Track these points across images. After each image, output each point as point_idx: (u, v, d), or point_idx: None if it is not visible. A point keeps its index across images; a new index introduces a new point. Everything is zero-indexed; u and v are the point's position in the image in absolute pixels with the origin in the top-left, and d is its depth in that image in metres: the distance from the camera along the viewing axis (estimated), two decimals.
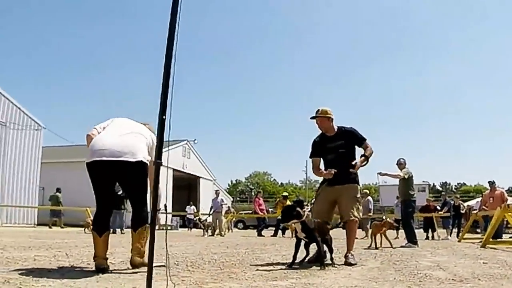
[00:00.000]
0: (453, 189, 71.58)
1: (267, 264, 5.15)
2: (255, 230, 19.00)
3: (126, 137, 4.38)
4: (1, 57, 71.94)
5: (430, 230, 16.31)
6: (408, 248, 9.10)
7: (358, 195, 5.60)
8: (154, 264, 3.05)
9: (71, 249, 6.94)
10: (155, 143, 4.39)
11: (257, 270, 4.56)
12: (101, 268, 4.15)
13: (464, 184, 72.47)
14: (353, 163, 5.49)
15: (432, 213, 16.56)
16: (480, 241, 9.95)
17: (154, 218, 3.05)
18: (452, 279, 3.80)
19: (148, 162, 4.41)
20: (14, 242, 8.25)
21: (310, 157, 5.77)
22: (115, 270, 4.30)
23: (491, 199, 12.87)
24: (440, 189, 70.77)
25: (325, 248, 5.06)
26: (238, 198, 68.13)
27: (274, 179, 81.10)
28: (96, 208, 4.49)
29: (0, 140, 19.58)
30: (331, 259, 5.06)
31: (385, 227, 9.39)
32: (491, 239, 10.23)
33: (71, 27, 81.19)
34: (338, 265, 5.02)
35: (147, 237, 4.35)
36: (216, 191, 19.00)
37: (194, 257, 5.97)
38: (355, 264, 5.09)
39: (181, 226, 30.46)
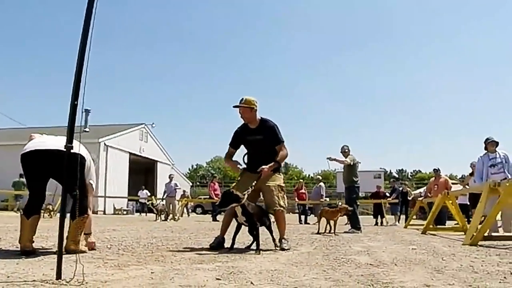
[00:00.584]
0: (409, 176, 73.80)
1: (203, 249, 5.14)
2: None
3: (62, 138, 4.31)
4: None
5: (379, 216, 16.81)
6: (350, 233, 9.34)
7: (282, 183, 5.50)
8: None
9: (8, 233, 6.75)
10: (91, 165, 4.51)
11: (188, 253, 4.58)
12: (26, 250, 4.13)
13: (420, 171, 74.75)
14: (260, 168, 5.25)
15: (381, 200, 17.03)
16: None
17: (63, 204, 2.99)
18: (370, 264, 3.92)
19: (86, 159, 4.46)
20: None
21: (229, 145, 5.66)
22: (43, 253, 4.23)
23: (435, 186, 13.32)
24: (396, 176, 72.74)
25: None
26: (198, 183, 67.88)
27: None
28: (29, 194, 4.49)
29: None
30: (273, 240, 5.21)
31: (341, 213, 9.51)
32: (434, 226, 10.65)
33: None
34: (273, 250, 5.08)
35: (83, 226, 4.38)
36: (170, 175, 18.84)
37: (131, 241, 5.93)
38: (288, 249, 5.16)
39: (137, 211, 30.15)
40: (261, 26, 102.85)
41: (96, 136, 29.82)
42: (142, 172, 35.49)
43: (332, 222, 9.22)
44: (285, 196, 5.50)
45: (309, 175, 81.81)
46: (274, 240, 5.25)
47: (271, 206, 5.36)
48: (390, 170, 74.69)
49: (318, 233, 9.00)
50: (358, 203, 10.74)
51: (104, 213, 27.96)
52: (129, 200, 30.19)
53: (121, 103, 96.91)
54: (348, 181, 10.40)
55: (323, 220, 9.47)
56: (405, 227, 13.43)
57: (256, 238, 4.87)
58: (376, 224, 16.39)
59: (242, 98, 5.44)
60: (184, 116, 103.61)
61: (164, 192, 17.58)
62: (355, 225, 9.98)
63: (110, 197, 27.81)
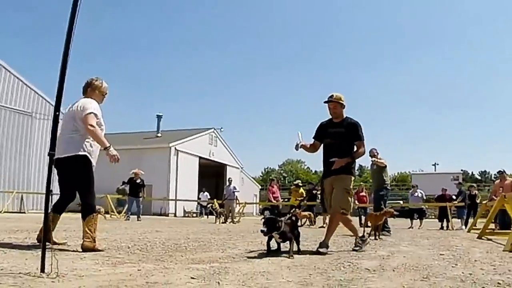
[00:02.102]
0: (492, 177, 69.18)
1: (222, 251, 5.29)
2: None
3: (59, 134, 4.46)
4: (24, 48, 74.69)
5: (444, 220, 15.99)
6: (383, 236, 9.05)
7: (348, 187, 5.56)
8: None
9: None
10: (85, 109, 4.71)
11: (196, 255, 4.73)
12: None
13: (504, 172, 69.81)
14: (333, 159, 5.48)
15: (447, 203, 16.18)
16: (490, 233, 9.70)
17: (47, 201, 3.22)
18: (367, 269, 3.87)
19: (86, 153, 4.67)
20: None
21: (313, 138, 5.88)
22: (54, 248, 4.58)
23: (501, 188, 12.45)
24: (479, 177, 68.67)
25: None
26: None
27: (308, 167, 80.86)
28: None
29: (27, 130, 20.41)
30: (298, 249, 5.19)
31: (386, 216, 9.23)
32: (497, 229, 9.98)
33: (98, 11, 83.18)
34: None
35: (95, 223, 4.70)
36: (229, 178, 19.19)
37: (156, 241, 6.18)
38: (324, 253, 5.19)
39: (206, 214, 30.94)
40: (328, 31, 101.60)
41: (167, 141, 31.15)
42: (212, 175, 36.42)
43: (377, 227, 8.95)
44: (350, 198, 5.59)
45: None
46: (292, 249, 5.04)
47: (331, 207, 5.61)
48: (472, 172, 70.53)
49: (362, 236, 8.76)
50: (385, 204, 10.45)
51: (175, 216, 29.06)
52: (198, 203, 31.02)
53: (191, 108, 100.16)
54: (378, 181, 10.25)
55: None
56: (469, 231, 12.65)
57: (290, 244, 4.92)
58: (442, 228, 15.58)
59: (332, 95, 5.70)
60: (256, 120, 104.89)
61: (224, 195, 17.96)
62: (383, 228, 9.66)
63: (178, 200, 28.81)
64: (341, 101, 5.68)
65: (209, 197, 26.22)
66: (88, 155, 4.76)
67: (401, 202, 28.06)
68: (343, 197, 5.49)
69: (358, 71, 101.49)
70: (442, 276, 3.41)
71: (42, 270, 3.06)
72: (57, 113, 3.24)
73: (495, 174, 72.70)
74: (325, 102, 5.71)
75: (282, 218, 5.10)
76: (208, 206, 23.07)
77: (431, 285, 3.00)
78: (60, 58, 3.28)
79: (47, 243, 3.37)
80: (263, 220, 4.99)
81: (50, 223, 4.47)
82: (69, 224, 8.38)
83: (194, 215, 29.97)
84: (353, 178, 5.67)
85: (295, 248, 5.00)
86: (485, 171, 74.77)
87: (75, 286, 2.69)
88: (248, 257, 4.58)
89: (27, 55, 76.37)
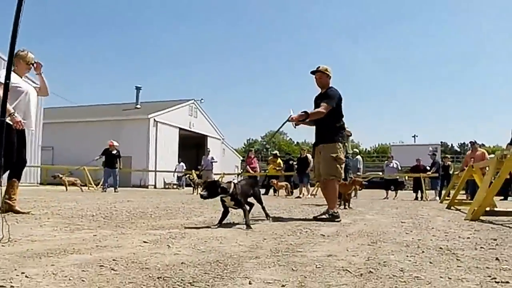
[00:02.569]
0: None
1: (187, 218, 5.34)
2: None
3: None
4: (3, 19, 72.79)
5: (419, 191, 16.30)
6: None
7: (336, 154, 5.67)
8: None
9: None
10: None
11: (158, 222, 4.76)
12: None
13: (483, 145, 71.17)
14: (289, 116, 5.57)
15: (420, 174, 16.46)
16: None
17: None
18: (321, 235, 3.95)
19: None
20: None
21: None
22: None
23: (472, 159, 12.69)
24: (458, 149, 69.88)
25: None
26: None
27: (290, 139, 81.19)
28: None
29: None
30: (263, 210, 5.20)
31: (355, 185, 9.39)
32: (469, 200, 10.19)
33: None
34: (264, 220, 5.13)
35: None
36: (207, 149, 19.22)
37: (123, 211, 6.19)
38: (337, 219, 5.42)
39: (187, 185, 31.00)
40: None
41: (146, 112, 30.87)
42: (192, 147, 36.35)
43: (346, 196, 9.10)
44: (340, 165, 5.70)
45: (366, 149, 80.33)
46: (264, 209, 5.22)
47: (322, 175, 5.74)
48: (452, 144, 71.69)
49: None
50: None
51: (155, 187, 29.08)
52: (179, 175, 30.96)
53: (172, 80, 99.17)
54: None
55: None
56: (441, 202, 12.95)
57: (244, 213, 4.62)
58: (416, 198, 15.90)
59: (318, 66, 5.89)
60: (238, 91, 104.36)
61: (201, 166, 17.99)
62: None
63: (157, 171, 28.77)
64: (326, 72, 5.86)
65: (185, 168, 26.17)
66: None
67: (381, 173, 28.42)
68: (331, 164, 5.66)
69: (340, 42, 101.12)
70: (391, 242, 3.50)
71: None
72: (7, 81, 3.17)
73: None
74: (311, 72, 5.92)
75: (235, 181, 4.86)
76: (186, 177, 23.06)
77: (375, 249, 3.07)
78: (11, 26, 3.18)
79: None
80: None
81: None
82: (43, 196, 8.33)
83: (174, 186, 30.00)
84: (340, 144, 5.76)
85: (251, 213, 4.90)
86: (464, 143, 75.79)
87: (23, 249, 2.69)
88: (211, 224, 4.63)
89: None
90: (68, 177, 16.37)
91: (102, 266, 2.24)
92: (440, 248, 3.14)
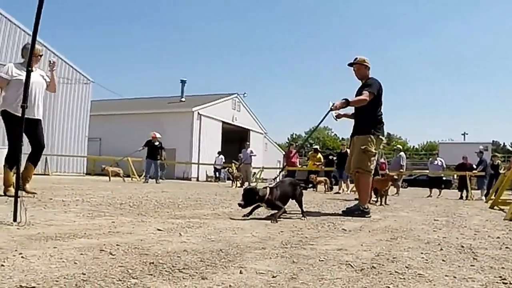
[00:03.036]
0: None
1: (213, 209, 5.36)
2: None
3: None
4: (49, 14, 75.69)
5: (464, 189, 15.67)
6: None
7: (365, 146, 5.51)
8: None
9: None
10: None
11: (183, 211, 4.79)
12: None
13: None
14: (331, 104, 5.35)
15: (466, 172, 15.79)
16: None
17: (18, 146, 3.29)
18: (343, 229, 3.85)
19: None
20: None
21: None
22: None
23: None
24: (511, 149, 66.77)
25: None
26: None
27: (335, 134, 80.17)
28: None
29: (51, 94, 20.77)
30: (302, 212, 4.82)
31: (389, 182, 9.13)
32: None
33: None
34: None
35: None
36: (246, 143, 19.24)
37: (154, 200, 6.27)
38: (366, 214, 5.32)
39: (228, 178, 31.25)
40: None
41: (190, 105, 31.32)
42: (235, 140, 36.55)
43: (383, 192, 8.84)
44: (369, 158, 5.54)
45: (413, 146, 78.24)
46: (302, 211, 4.85)
47: (352, 167, 5.66)
48: (504, 143, 68.53)
49: (368, 202, 8.67)
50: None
51: (198, 180, 29.50)
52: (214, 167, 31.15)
53: (216, 74, 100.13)
54: None
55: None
56: (486, 201, 12.39)
57: (277, 210, 4.48)
58: (461, 198, 15.28)
59: (356, 57, 5.76)
60: (283, 86, 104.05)
61: (240, 159, 18.04)
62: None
63: (200, 164, 29.07)
64: (364, 63, 5.74)
65: (223, 160, 26.37)
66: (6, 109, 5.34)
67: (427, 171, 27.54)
68: (359, 156, 5.55)
69: (388, 37, 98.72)
70: (413, 238, 3.36)
71: (15, 219, 3.15)
72: (29, 68, 3.27)
73: None
74: (349, 64, 5.79)
75: (272, 183, 4.66)
76: (225, 170, 23.21)
77: (392, 245, 2.95)
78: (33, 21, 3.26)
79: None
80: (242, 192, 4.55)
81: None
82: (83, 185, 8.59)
83: (217, 179, 30.30)
84: (372, 137, 5.57)
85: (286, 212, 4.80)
86: None
87: (34, 232, 2.76)
88: (233, 215, 4.60)
89: (47, 20, 77.06)
90: (112, 168, 16.84)
91: (103, 250, 2.26)
92: (462, 246, 2.97)
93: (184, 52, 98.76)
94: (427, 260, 2.40)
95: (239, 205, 4.38)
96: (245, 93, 37.18)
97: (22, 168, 4.68)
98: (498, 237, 3.65)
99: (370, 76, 5.77)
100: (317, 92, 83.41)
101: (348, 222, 4.56)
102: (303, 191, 5.08)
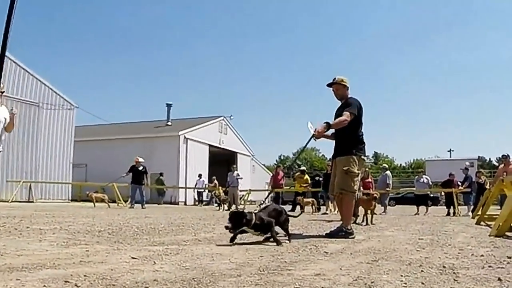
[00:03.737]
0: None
1: (194, 235, 5.25)
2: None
3: None
4: (32, 40, 75.97)
5: (452, 206, 15.72)
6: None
7: (347, 167, 5.47)
8: None
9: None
10: None
11: (162, 238, 4.68)
12: None
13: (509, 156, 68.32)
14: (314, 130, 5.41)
15: (452, 189, 15.88)
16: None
17: None
18: (324, 252, 3.76)
19: None
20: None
21: None
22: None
23: (504, 173, 12.13)
24: (497, 164, 67.45)
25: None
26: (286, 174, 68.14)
27: (323, 155, 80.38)
28: None
29: (34, 120, 20.62)
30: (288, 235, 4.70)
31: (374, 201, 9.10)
32: None
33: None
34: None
35: None
36: (233, 166, 19.16)
37: (134, 226, 6.15)
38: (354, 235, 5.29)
39: (217, 203, 30.99)
40: (339, 11, 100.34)
41: (177, 129, 31.21)
42: (223, 163, 36.37)
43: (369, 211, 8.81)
44: (352, 179, 5.48)
45: (400, 164, 78.71)
46: (288, 235, 4.71)
47: (335, 189, 5.62)
48: (490, 158, 69.25)
49: (355, 222, 8.61)
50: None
51: (185, 204, 29.17)
52: (209, 191, 30.94)
53: (202, 97, 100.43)
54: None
55: (361, 209, 9.07)
56: (473, 217, 12.40)
57: (272, 236, 4.42)
58: (448, 214, 15.33)
59: (334, 78, 5.77)
60: (270, 108, 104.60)
61: (227, 182, 17.92)
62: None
63: (188, 188, 28.82)
64: (343, 83, 5.74)
65: (206, 183, 26.16)
66: None
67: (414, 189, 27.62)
68: (342, 177, 5.50)
69: (370, 53, 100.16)
70: (394, 260, 3.29)
71: None
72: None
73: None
74: (327, 85, 5.80)
75: (256, 209, 4.59)
76: (212, 193, 23.05)
77: (372, 268, 2.88)
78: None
79: None
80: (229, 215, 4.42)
81: None
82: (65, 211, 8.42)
83: (205, 203, 30.02)
84: (354, 157, 5.54)
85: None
86: (507, 155, 73.17)
87: (1, 264, 2.65)
88: (214, 240, 4.51)
89: (31, 46, 76.81)
90: (96, 194, 16.61)
91: (67, 281, 2.17)
92: (444, 267, 2.91)
93: (169, 76, 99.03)
94: (405, 283, 2.34)
95: (226, 227, 4.26)
96: (231, 115, 37.26)
97: None
98: (482, 255, 3.61)
99: (349, 95, 5.77)
100: (305, 113, 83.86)
101: (331, 244, 4.48)
102: (289, 217, 4.92)
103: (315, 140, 5.65)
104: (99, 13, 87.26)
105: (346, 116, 5.44)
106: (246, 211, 4.51)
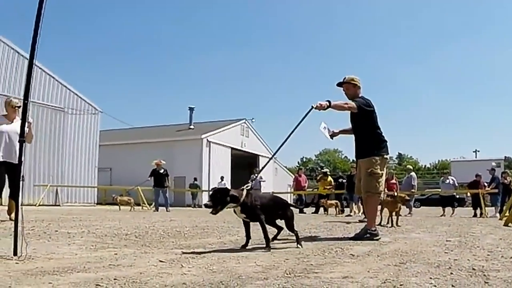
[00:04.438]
0: None
1: (219, 238, 5.28)
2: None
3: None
4: (59, 46, 77.41)
5: (478, 207, 15.43)
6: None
7: (370, 169, 5.42)
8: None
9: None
10: None
11: (188, 241, 4.72)
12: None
13: None
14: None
15: (479, 190, 15.58)
16: None
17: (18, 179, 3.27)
18: (351, 255, 3.73)
19: None
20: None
21: None
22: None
23: None
24: None
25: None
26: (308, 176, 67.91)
27: (346, 156, 79.79)
28: None
29: (60, 125, 21.05)
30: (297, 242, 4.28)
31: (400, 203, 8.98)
32: None
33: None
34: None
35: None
36: (255, 169, 19.18)
37: (159, 229, 6.21)
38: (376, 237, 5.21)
39: None
40: (357, 18, 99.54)
41: (199, 132, 31.44)
42: (245, 166, 36.45)
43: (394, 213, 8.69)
44: (376, 180, 5.43)
45: (425, 165, 77.62)
46: (296, 236, 4.33)
47: (362, 192, 5.57)
48: None
49: (380, 224, 8.51)
50: None
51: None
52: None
53: (224, 100, 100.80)
54: None
55: (386, 211, 8.95)
56: (500, 219, 12.12)
57: (263, 232, 4.02)
58: (475, 215, 15.06)
59: (345, 77, 5.67)
60: (291, 111, 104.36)
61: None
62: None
63: (209, 191, 28.94)
64: (353, 82, 5.62)
65: (227, 185, 26.14)
66: None
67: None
68: (366, 179, 5.46)
69: (395, 61, 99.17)
70: (422, 262, 3.25)
71: (15, 253, 3.11)
72: (26, 101, 3.26)
73: None
74: (337, 84, 5.68)
75: (248, 186, 4.10)
76: None
77: (400, 270, 2.85)
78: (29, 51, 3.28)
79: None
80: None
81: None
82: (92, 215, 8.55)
83: None
84: (376, 158, 5.47)
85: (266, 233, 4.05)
86: None
87: (33, 267, 2.72)
88: (239, 243, 4.51)
89: (55, 52, 78.27)
90: (122, 197, 16.84)
91: (99, 285, 2.21)
92: (473, 269, 2.86)
93: (191, 79, 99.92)
94: (435, 285, 2.31)
95: (205, 205, 3.91)
96: (253, 118, 37.39)
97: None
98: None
99: (361, 95, 5.66)
100: (326, 115, 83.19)
101: (356, 246, 4.45)
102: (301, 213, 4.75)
103: (331, 139, 5.74)
104: (124, 18, 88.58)
105: (350, 103, 5.36)
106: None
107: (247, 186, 4.08)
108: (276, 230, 4.54)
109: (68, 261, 3.02)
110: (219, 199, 3.83)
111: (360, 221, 9.26)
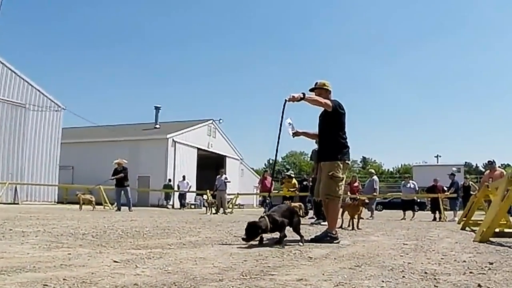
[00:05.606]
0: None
1: (179, 238, 5.22)
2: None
3: None
4: (19, 41, 75.31)
5: (437, 211, 15.87)
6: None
7: (332, 172, 5.48)
8: None
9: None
10: None
11: (147, 241, 4.65)
12: None
13: (509, 165, 69.19)
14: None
15: (438, 194, 16.04)
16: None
17: None
18: (309, 257, 3.76)
19: None
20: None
21: None
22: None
23: (490, 179, 12.26)
24: (483, 170, 68.24)
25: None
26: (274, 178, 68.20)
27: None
28: None
29: (20, 121, 20.42)
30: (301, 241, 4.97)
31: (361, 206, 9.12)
32: None
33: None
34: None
35: None
36: (221, 170, 19.14)
37: (118, 230, 6.10)
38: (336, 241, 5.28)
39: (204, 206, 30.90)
40: (332, 17, 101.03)
41: (165, 132, 31.11)
42: (212, 167, 36.29)
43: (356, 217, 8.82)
44: (337, 184, 5.50)
45: (388, 169, 79.30)
46: (300, 238, 5.07)
47: (321, 195, 5.62)
48: (476, 164, 70.05)
49: (341, 227, 8.62)
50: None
51: (173, 207, 29.05)
52: (197, 194, 30.82)
53: (191, 100, 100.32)
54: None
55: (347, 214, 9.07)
56: (458, 222, 12.52)
57: (281, 236, 4.79)
58: (434, 219, 15.48)
59: (316, 82, 5.77)
60: (259, 112, 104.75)
61: (215, 186, 17.89)
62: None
63: (174, 191, 28.69)
64: (325, 87, 5.71)
65: (189, 185, 26.05)
66: None
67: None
68: (327, 183, 5.51)
69: (359, 61, 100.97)
70: (377, 265, 3.30)
71: None
72: None
73: (499, 166, 72.01)
74: (310, 90, 5.75)
75: (264, 214, 4.80)
76: (203, 197, 23.00)
77: (354, 273, 2.89)
78: None
79: None
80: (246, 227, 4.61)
81: None
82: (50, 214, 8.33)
83: (193, 206, 29.94)
84: (339, 163, 5.54)
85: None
86: (492, 161, 73.91)
87: None
88: (199, 244, 4.48)
89: (17, 45, 76.04)
90: (84, 195, 16.46)
91: (46, 285, 2.15)
92: (426, 272, 2.93)
93: (158, 78, 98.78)
94: None
95: (243, 239, 4.48)
96: (220, 119, 37.28)
97: None
98: (464, 261, 3.63)
99: (332, 99, 5.74)
100: (294, 116, 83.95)
101: (316, 248, 4.49)
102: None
103: (293, 137, 5.83)
104: (87, 14, 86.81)
105: (327, 100, 5.49)
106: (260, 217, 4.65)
107: (264, 213, 4.81)
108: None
109: (18, 261, 2.92)
110: (253, 233, 4.50)
111: (312, 224, 9.47)
